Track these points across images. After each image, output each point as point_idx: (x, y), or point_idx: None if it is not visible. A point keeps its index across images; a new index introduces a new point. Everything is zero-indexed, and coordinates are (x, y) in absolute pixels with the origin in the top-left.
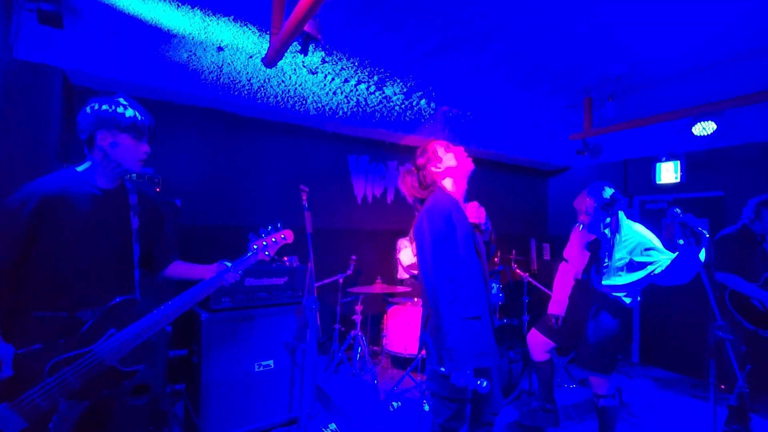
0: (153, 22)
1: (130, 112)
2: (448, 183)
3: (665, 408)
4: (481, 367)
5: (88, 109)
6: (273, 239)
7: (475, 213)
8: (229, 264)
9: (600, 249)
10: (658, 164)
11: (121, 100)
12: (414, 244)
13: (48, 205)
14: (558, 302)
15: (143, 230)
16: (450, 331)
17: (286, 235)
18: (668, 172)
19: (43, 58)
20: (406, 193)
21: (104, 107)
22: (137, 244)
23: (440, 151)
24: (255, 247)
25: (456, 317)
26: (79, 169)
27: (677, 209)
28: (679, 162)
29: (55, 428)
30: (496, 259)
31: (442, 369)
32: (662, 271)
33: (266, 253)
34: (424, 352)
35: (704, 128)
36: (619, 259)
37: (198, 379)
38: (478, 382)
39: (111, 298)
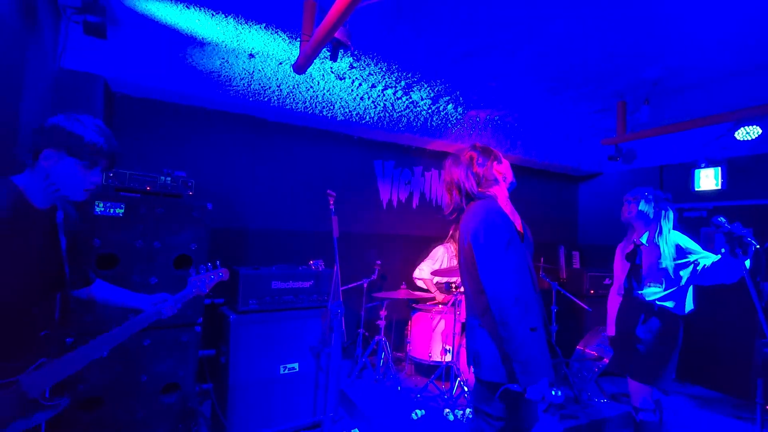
0: (188, 31)
1: (89, 137)
2: (499, 190)
3: (704, 428)
4: (551, 377)
5: (45, 124)
6: (211, 276)
7: (511, 215)
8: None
9: (637, 257)
10: (696, 171)
11: (86, 121)
12: (458, 250)
13: None
14: (612, 322)
15: (69, 250)
16: (523, 343)
17: (223, 273)
18: (708, 179)
19: (87, 66)
20: (462, 185)
21: (62, 125)
22: (66, 265)
23: (500, 155)
24: (192, 281)
25: (526, 328)
26: (15, 182)
27: (721, 218)
28: (720, 168)
29: None
30: None
31: (517, 386)
32: (704, 270)
33: (203, 289)
34: (449, 358)
35: (748, 133)
36: (662, 266)
37: (225, 380)
38: (553, 392)
39: (44, 325)
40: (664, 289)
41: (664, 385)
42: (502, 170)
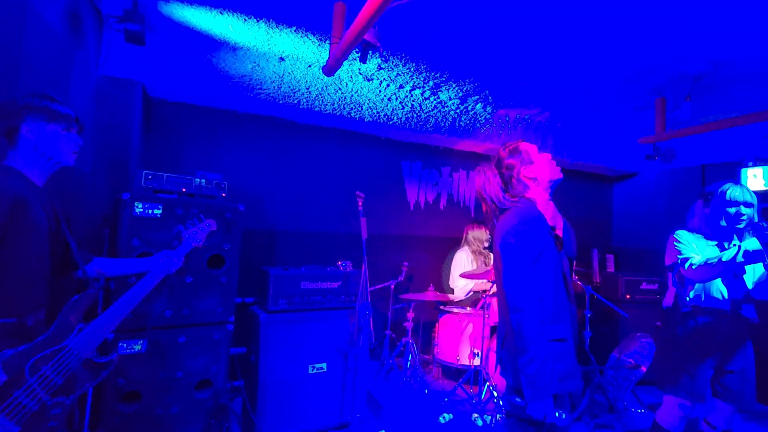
0: (220, 37)
1: (53, 106)
2: (534, 192)
3: None
4: (563, 392)
5: (15, 100)
6: (202, 227)
7: (552, 219)
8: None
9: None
10: (743, 170)
11: (48, 94)
12: (493, 258)
13: (18, 205)
14: None
15: (70, 227)
16: (535, 357)
17: (211, 224)
18: (756, 179)
19: (126, 73)
20: (487, 196)
21: (28, 102)
22: (72, 240)
23: (533, 154)
24: (187, 236)
25: (543, 341)
26: (9, 165)
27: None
28: None
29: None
30: None
31: (518, 399)
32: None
33: (199, 242)
34: (477, 362)
35: None
36: None
37: (256, 377)
38: (557, 414)
39: (70, 296)
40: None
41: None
42: (534, 172)
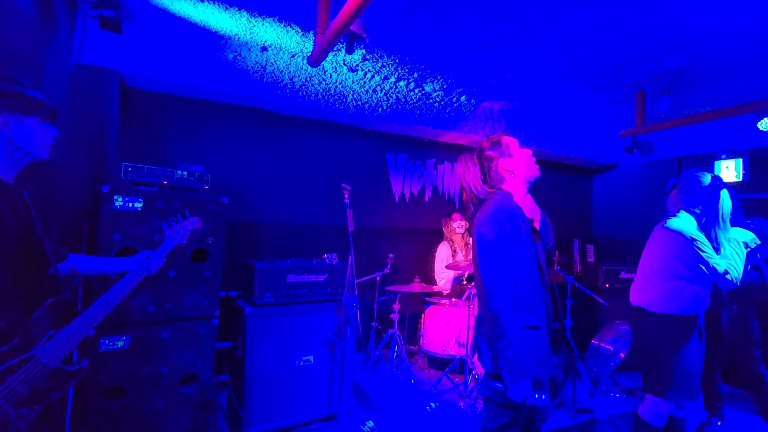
0: (201, 24)
1: (30, 93)
2: (511, 185)
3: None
4: (542, 377)
5: None
6: (186, 225)
7: (530, 212)
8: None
9: None
10: (717, 162)
11: (20, 79)
12: (470, 248)
13: None
14: None
15: (44, 223)
16: (511, 341)
17: (195, 221)
18: (728, 171)
19: (102, 61)
20: (466, 185)
21: (3, 88)
22: (45, 240)
23: (513, 147)
24: (169, 234)
25: (518, 327)
26: None
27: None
28: (741, 159)
29: None
30: None
31: (498, 384)
32: None
33: (182, 240)
34: (463, 352)
35: None
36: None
37: (242, 371)
38: (537, 396)
39: (40, 301)
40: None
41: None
42: (512, 165)
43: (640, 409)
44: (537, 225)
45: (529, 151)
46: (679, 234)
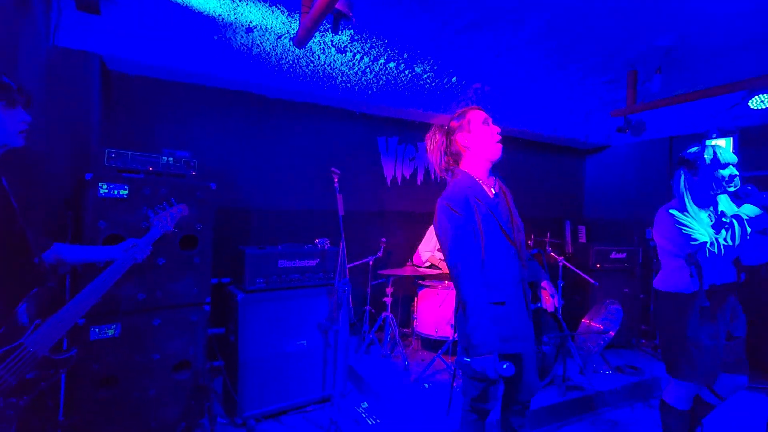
0: (183, 4)
1: None
2: (469, 161)
3: None
4: (510, 352)
5: None
6: (172, 213)
7: (494, 190)
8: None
9: None
10: (708, 141)
11: None
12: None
13: None
14: None
15: (25, 213)
16: (470, 316)
17: (182, 208)
18: None
19: (82, 44)
20: (430, 157)
21: None
22: (27, 229)
23: (475, 123)
24: (156, 222)
25: (478, 303)
26: None
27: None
28: (732, 138)
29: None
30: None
31: (466, 358)
32: None
33: (169, 227)
34: (456, 334)
35: (762, 101)
36: None
37: (235, 357)
38: (503, 367)
39: (25, 291)
40: None
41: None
42: (469, 141)
43: (664, 392)
44: (504, 204)
45: (495, 129)
46: (661, 212)
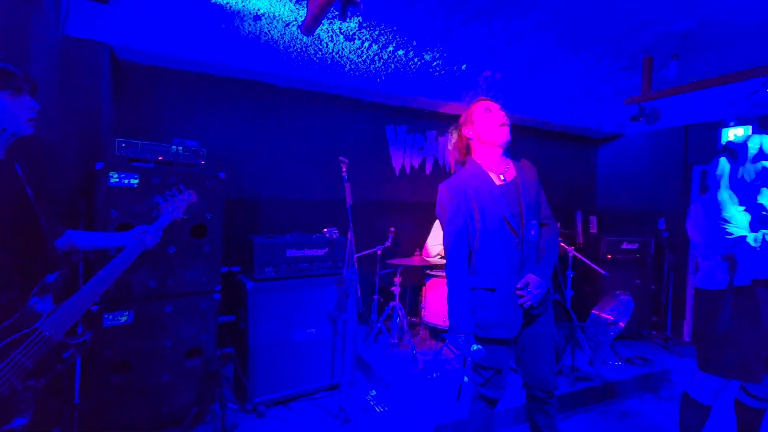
0: None
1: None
2: (477, 150)
3: None
4: (493, 337)
5: None
6: (180, 199)
7: (505, 176)
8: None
9: None
10: (725, 130)
11: None
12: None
13: None
14: None
15: (37, 201)
16: (450, 297)
17: (190, 195)
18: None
19: (92, 34)
20: (448, 157)
21: None
22: (41, 216)
23: (477, 113)
24: (166, 209)
25: (457, 286)
26: None
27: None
28: (750, 127)
29: (21, 412)
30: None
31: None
32: None
33: (178, 214)
34: None
35: None
36: None
37: (246, 344)
38: (474, 348)
39: (39, 277)
40: None
41: None
42: (473, 132)
43: (689, 385)
44: (515, 190)
45: (498, 115)
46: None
